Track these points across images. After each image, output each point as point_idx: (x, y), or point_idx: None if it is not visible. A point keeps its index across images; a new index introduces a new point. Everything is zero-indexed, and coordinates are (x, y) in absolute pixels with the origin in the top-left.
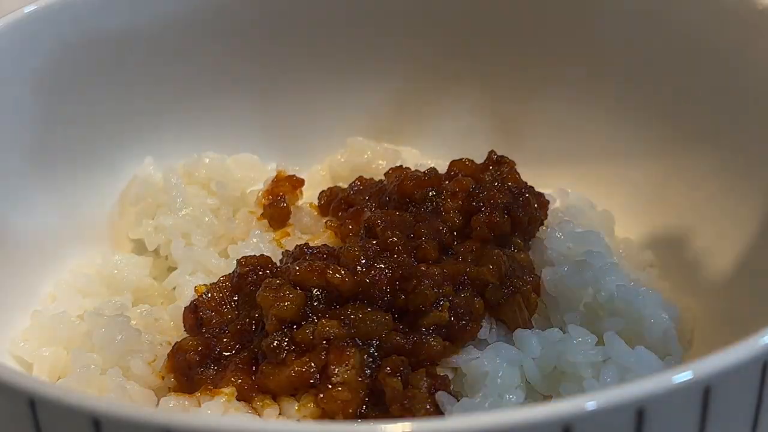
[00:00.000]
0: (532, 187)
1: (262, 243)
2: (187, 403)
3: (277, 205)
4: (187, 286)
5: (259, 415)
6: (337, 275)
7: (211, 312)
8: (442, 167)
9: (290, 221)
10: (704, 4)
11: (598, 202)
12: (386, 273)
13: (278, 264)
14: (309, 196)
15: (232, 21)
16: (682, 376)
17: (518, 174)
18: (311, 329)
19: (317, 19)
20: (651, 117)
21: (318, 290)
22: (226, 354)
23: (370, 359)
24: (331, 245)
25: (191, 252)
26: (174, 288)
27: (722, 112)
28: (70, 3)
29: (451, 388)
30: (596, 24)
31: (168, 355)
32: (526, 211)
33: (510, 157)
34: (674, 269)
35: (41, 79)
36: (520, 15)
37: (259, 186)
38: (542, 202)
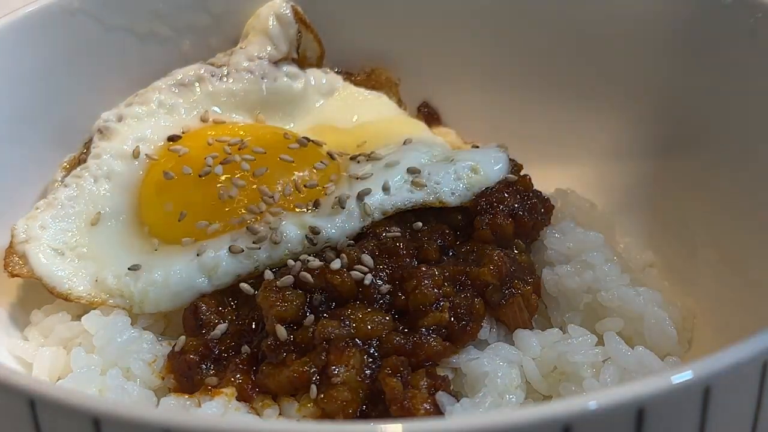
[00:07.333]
0: (539, 192)
1: None
2: (187, 403)
3: None
4: None
5: (259, 415)
6: (337, 276)
7: (211, 313)
8: None
9: None
10: (704, 4)
11: (598, 202)
12: (386, 274)
13: None
14: None
15: None
16: (682, 376)
17: (529, 177)
18: (311, 329)
19: None
20: (650, 117)
21: (318, 290)
22: (226, 354)
23: (370, 359)
24: None
25: None
26: None
27: (722, 112)
28: (69, 3)
29: (451, 388)
30: (596, 25)
31: (168, 355)
32: (531, 216)
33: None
34: (674, 269)
35: (41, 79)
36: (520, 16)
37: None
38: (548, 207)
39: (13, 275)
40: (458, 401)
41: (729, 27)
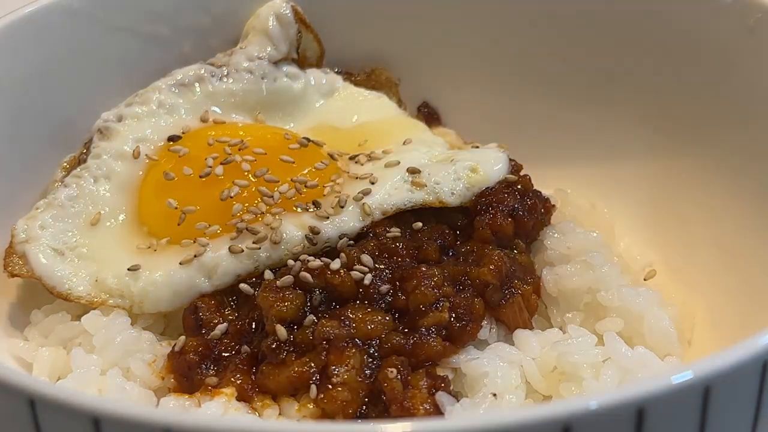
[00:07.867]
0: (539, 192)
1: None
2: (187, 403)
3: None
4: None
5: (259, 415)
6: (337, 276)
7: (211, 313)
8: None
9: None
10: (704, 3)
11: (598, 202)
12: (386, 274)
13: None
14: None
15: None
16: (682, 376)
17: (529, 177)
18: (311, 329)
19: None
20: (650, 117)
21: (318, 290)
22: (226, 354)
23: (370, 359)
24: None
25: None
26: None
27: (722, 112)
28: (69, 3)
29: (451, 388)
30: (596, 25)
31: (168, 355)
32: (531, 216)
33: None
34: (674, 269)
35: (41, 79)
36: (520, 15)
37: None
38: (548, 206)
39: (13, 275)
40: (458, 401)
41: (729, 27)
